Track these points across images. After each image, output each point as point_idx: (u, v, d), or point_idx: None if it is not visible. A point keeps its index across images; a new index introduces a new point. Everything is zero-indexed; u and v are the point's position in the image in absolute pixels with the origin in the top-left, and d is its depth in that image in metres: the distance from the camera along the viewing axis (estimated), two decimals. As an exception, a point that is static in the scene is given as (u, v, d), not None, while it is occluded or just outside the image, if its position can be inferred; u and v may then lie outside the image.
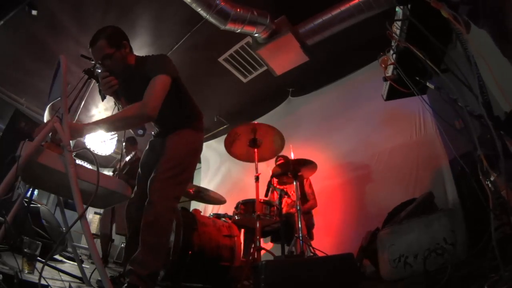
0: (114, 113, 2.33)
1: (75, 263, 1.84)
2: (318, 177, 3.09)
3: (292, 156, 2.93)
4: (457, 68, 1.29)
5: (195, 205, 4.51)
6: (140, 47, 3.64)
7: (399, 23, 1.38)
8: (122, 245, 4.59)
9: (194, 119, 1.85)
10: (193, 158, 1.82)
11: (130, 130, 1.95)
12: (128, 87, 1.74)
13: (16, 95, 4.52)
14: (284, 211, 2.93)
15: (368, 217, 2.97)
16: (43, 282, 1.15)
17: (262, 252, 2.29)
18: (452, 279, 1.28)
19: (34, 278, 1.29)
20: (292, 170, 2.69)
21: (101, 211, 4.53)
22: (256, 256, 2.27)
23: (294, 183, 2.67)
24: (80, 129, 1.40)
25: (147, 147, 1.90)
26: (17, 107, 4.47)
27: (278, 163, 3.13)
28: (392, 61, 1.51)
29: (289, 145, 3.01)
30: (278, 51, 3.36)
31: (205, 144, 5.15)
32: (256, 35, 3.21)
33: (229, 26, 3.00)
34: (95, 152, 4.67)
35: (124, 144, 3.76)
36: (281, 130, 2.83)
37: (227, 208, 3.27)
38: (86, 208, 1.19)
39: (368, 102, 3.38)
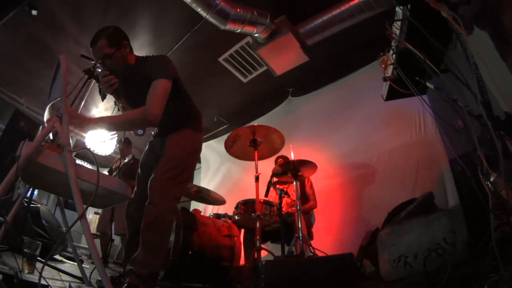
0: (114, 113, 2.33)
1: (75, 263, 1.84)
2: (318, 177, 3.09)
3: (292, 156, 2.93)
4: (456, 68, 1.29)
5: (195, 205, 4.51)
6: (140, 47, 3.64)
7: (399, 23, 1.38)
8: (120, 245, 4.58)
9: (193, 119, 1.85)
10: (193, 158, 1.83)
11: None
12: (128, 86, 1.75)
13: (16, 95, 4.51)
14: (283, 210, 2.93)
15: (368, 217, 2.97)
16: (43, 282, 1.15)
17: (262, 252, 2.29)
18: (452, 279, 1.29)
19: (34, 278, 1.29)
20: (292, 170, 2.69)
21: (100, 211, 4.53)
22: (256, 256, 2.27)
23: (294, 183, 2.67)
24: (82, 120, 1.44)
25: (147, 147, 1.90)
26: (17, 107, 4.47)
27: (278, 163, 3.13)
28: (392, 61, 1.51)
29: (289, 145, 3.01)
30: (278, 51, 3.36)
31: (205, 144, 5.15)
32: (256, 35, 3.21)
33: (229, 26, 3.00)
34: (95, 152, 4.66)
35: (118, 145, 3.77)
36: (281, 130, 2.83)
37: (227, 208, 3.27)
38: (86, 208, 1.19)
39: (368, 102, 3.38)
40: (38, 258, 1.54)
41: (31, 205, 2.59)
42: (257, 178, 2.63)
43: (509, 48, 1.18)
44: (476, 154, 1.20)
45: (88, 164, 3.80)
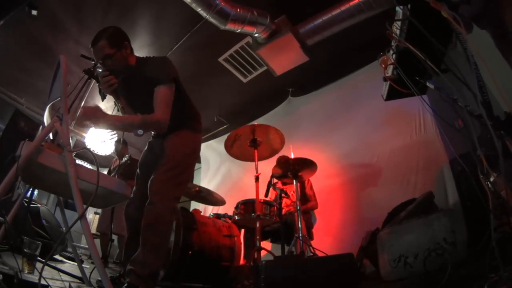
0: (114, 113, 2.33)
1: (75, 263, 1.84)
2: (318, 177, 3.09)
3: (292, 156, 2.93)
4: (456, 68, 1.29)
5: (195, 205, 4.51)
6: (140, 47, 3.65)
7: (399, 23, 1.38)
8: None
9: (193, 120, 1.86)
10: (192, 158, 1.84)
11: None
12: (128, 87, 1.75)
13: (16, 95, 4.51)
14: (284, 211, 2.93)
15: (368, 217, 2.97)
16: (43, 282, 1.15)
17: (262, 252, 2.29)
18: (452, 279, 1.28)
19: (34, 278, 1.29)
20: (292, 170, 2.69)
21: (100, 211, 4.53)
22: (256, 256, 2.27)
23: (294, 183, 2.67)
24: (104, 116, 1.47)
25: (146, 147, 1.91)
26: (17, 107, 4.47)
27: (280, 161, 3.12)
28: (392, 61, 1.51)
29: (289, 145, 3.01)
30: (278, 51, 3.36)
31: (205, 144, 5.15)
32: (256, 35, 3.21)
33: (229, 26, 3.00)
34: (95, 152, 4.66)
35: (116, 146, 3.78)
36: (281, 130, 2.83)
37: (227, 208, 3.27)
38: (86, 208, 1.19)
39: (368, 102, 3.38)
40: (38, 258, 1.54)
41: (31, 205, 2.59)
42: (257, 178, 2.63)
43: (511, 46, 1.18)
44: (476, 154, 1.20)
45: (88, 164, 3.80)
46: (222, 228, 2.47)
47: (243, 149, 2.88)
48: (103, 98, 1.74)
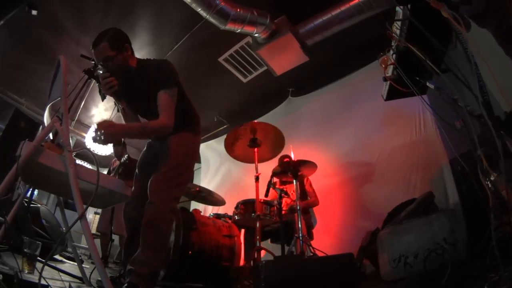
0: (114, 113, 2.33)
1: (75, 263, 1.84)
2: (318, 177, 3.09)
3: (292, 156, 2.93)
4: (457, 68, 1.29)
5: (195, 205, 4.50)
6: (140, 47, 3.65)
7: (399, 23, 1.38)
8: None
9: (192, 122, 1.87)
10: (192, 159, 1.86)
11: None
12: (129, 88, 1.75)
13: (16, 95, 4.51)
14: (284, 211, 2.93)
15: (368, 217, 2.97)
16: (43, 282, 1.15)
17: (262, 252, 2.29)
18: (452, 279, 1.28)
19: (34, 278, 1.29)
20: (292, 170, 2.69)
21: (100, 211, 4.53)
22: (256, 256, 2.27)
23: (294, 182, 2.67)
24: (119, 130, 1.53)
25: (145, 148, 1.91)
26: (17, 107, 4.46)
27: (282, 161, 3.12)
28: (392, 61, 1.51)
29: (289, 145, 3.01)
30: (278, 51, 3.36)
31: (205, 144, 5.15)
32: (256, 35, 3.21)
33: (229, 26, 3.00)
34: (95, 152, 4.66)
35: (114, 147, 3.79)
36: (281, 130, 2.83)
37: (227, 208, 3.27)
38: (86, 208, 1.19)
39: (368, 102, 3.38)
40: (38, 258, 1.55)
41: (31, 205, 2.59)
42: (257, 178, 2.63)
43: None
44: (476, 154, 1.20)
45: (88, 164, 3.80)
46: (222, 228, 2.47)
47: (244, 150, 2.88)
48: (103, 98, 1.73)
